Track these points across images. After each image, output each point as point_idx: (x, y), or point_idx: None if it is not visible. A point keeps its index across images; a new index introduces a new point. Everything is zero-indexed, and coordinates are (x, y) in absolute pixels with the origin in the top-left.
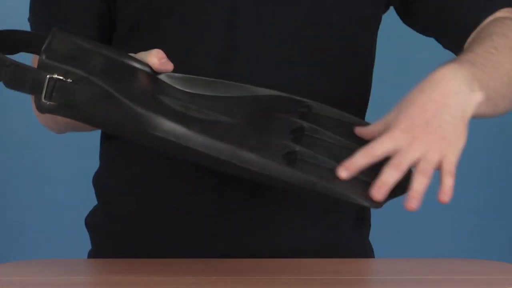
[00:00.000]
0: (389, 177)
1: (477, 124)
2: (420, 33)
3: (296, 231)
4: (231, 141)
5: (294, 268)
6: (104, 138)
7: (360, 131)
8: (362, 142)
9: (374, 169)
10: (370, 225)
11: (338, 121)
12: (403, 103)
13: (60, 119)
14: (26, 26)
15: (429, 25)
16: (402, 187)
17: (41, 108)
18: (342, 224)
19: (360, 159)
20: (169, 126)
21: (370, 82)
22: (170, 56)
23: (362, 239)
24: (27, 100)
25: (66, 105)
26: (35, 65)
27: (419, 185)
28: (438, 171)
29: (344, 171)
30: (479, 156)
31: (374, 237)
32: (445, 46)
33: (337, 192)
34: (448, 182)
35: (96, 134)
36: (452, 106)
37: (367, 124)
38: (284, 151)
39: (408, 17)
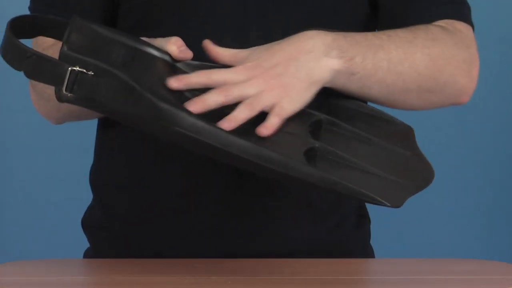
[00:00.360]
0: (211, 99)
1: (478, 124)
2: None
3: (299, 232)
4: (252, 139)
5: (294, 268)
6: (101, 135)
7: (212, 50)
8: (380, 134)
9: (383, 165)
10: (370, 222)
11: (354, 111)
12: (260, 47)
13: (64, 108)
14: None
15: (381, 19)
16: (419, 185)
17: (60, 99)
18: (345, 224)
19: (195, 78)
20: (191, 122)
21: None
22: None
23: (363, 240)
24: (22, 100)
25: (86, 98)
26: (40, 45)
27: (240, 114)
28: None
29: (175, 83)
30: (479, 156)
31: (374, 237)
32: None
33: (357, 192)
34: (272, 120)
35: (92, 133)
36: (301, 62)
37: (383, 114)
38: (304, 147)
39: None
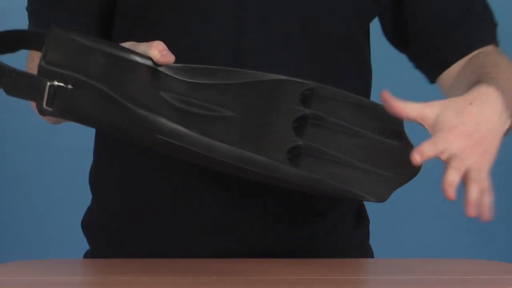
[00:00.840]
0: (454, 178)
1: None
2: (395, 46)
3: (296, 232)
4: (233, 142)
5: (294, 268)
6: (99, 135)
7: (394, 103)
8: (367, 125)
9: (370, 158)
10: (369, 223)
11: (343, 102)
12: (450, 108)
13: None
14: (26, 25)
15: (410, 43)
16: (404, 177)
17: (42, 113)
18: (342, 224)
19: (428, 150)
20: (171, 127)
21: (370, 78)
22: (178, 50)
23: (362, 240)
24: (22, 101)
25: (67, 111)
26: (32, 59)
27: (474, 193)
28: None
29: (418, 156)
30: None
31: (374, 237)
32: (418, 66)
33: (340, 189)
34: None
35: (92, 134)
36: (497, 125)
37: (372, 102)
38: (287, 146)
39: (391, 30)
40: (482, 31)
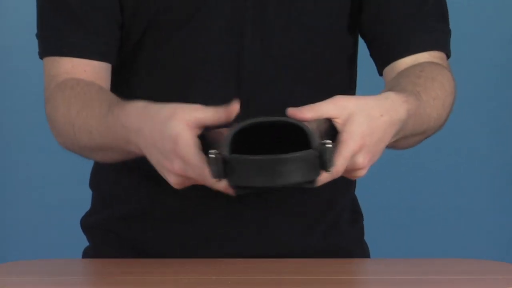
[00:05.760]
0: (340, 169)
1: (478, 125)
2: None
3: (294, 238)
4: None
5: (293, 268)
6: None
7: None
8: None
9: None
10: (362, 218)
11: None
12: (364, 112)
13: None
14: (25, 26)
15: (365, 30)
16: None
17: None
18: (339, 222)
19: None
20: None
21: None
22: (180, 68)
23: (359, 236)
24: (22, 100)
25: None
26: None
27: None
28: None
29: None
30: (479, 156)
31: (373, 237)
32: (371, 55)
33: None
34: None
35: None
36: (387, 143)
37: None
38: None
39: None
40: (433, 36)
